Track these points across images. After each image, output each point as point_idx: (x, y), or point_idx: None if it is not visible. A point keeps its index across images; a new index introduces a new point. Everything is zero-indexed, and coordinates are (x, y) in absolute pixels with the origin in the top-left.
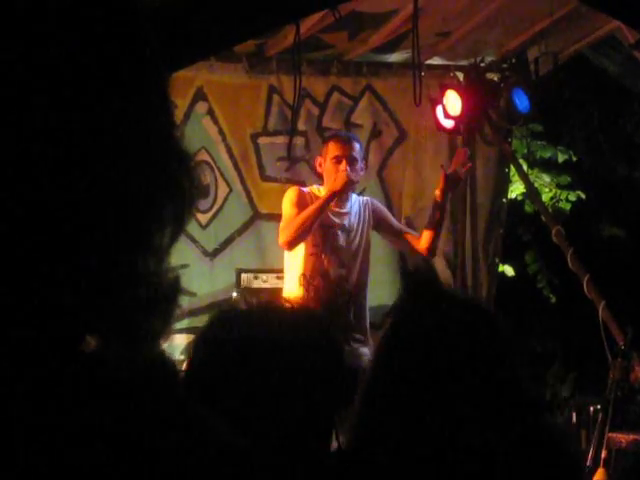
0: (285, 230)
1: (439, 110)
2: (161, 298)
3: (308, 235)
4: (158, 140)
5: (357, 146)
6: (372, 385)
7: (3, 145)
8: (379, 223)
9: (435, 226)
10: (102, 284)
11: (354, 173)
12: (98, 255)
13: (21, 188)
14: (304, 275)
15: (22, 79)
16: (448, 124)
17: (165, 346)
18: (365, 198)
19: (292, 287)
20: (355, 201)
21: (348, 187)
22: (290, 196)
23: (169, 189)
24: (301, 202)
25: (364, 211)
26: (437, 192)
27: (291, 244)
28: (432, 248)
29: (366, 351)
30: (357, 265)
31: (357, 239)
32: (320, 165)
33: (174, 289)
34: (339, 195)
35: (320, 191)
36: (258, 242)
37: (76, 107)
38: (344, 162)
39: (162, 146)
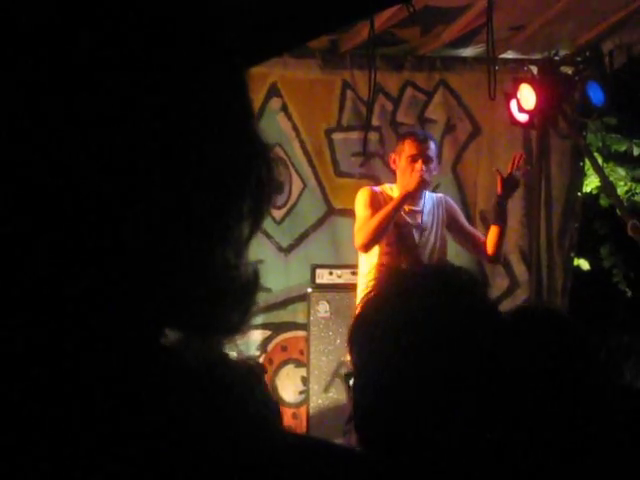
0: (360, 232)
1: (513, 104)
2: (240, 292)
3: (383, 236)
4: (239, 134)
5: (433, 145)
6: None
7: (93, 141)
8: (450, 222)
9: (498, 232)
10: (182, 277)
11: (428, 172)
12: (179, 248)
13: (105, 180)
14: (379, 275)
15: (113, 74)
16: (522, 118)
17: (241, 342)
18: (439, 195)
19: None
20: (429, 198)
21: (422, 187)
22: (362, 197)
23: (249, 182)
24: (374, 202)
25: (438, 208)
26: (496, 198)
27: (367, 246)
28: (497, 254)
29: None
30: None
31: (432, 237)
32: (394, 162)
33: (253, 283)
34: (413, 195)
35: (392, 190)
36: (332, 237)
37: (157, 100)
38: (420, 161)
39: (243, 140)
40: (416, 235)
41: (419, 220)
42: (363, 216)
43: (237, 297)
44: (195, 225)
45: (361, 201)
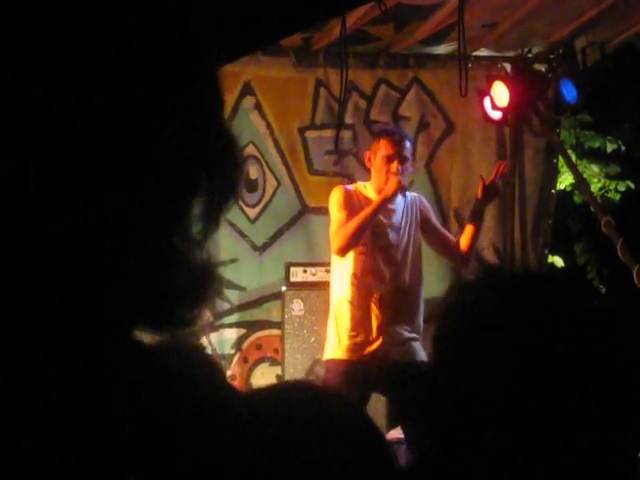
0: (336, 237)
1: (487, 101)
2: (194, 286)
3: (360, 240)
4: (206, 127)
5: (408, 144)
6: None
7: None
8: (423, 222)
9: (473, 232)
10: (137, 271)
11: (404, 172)
12: (136, 241)
13: (63, 173)
14: (355, 274)
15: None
16: (496, 115)
17: (216, 340)
18: (413, 195)
19: (342, 286)
20: (402, 197)
21: (400, 192)
22: (336, 198)
23: (211, 174)
24: (348, 203)
25: (411, 208)
26: (475, 201)
27: (344, 251)
28: (469, 253)
29: (419, 347)
30: (408, 262)
31: (406, 236)
32: (369, 160)
33: (207, 275)
34: (391, 201)
35: (366, 188)
36: (307, 236)
37: (122, 84)
38: (396, 162)
39: (210, 132)
40: (391, 235)
41: (394, 219)
42: (338, 218)
43: (191, 292)
44: (152, 218)
45: (335, 202)
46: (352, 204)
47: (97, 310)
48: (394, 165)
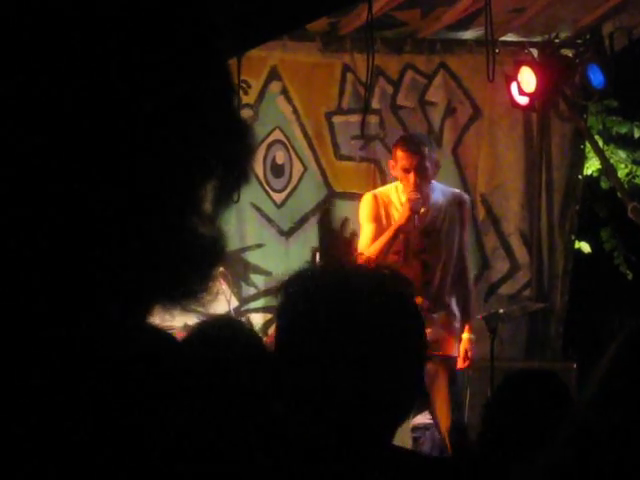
0: (364, 252)
1: (514, 87)
2: (203, 257)
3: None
4: (217, 111)
5: (426, 150)
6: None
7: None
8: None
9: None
10: (152, 246)
11: (424, 182)
12: (151, 216)
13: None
14: None
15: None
16: (523, 101)
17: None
18: (456, 193)
19: None
20: (440, 194)
21: (416, 213)
22: (365, 209)
23: (223, 159)
24: (376, 215)
25: (451, 207)
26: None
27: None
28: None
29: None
30: (440, 265)
31: (444, 238)
32: (393, 168)
33: (216, 249)
34: (405, 229)
35: (397, 189)
36: (333, 220)
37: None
38: (412, 175)
39: (220, 117)
40: (423, 239)
41: (427, 222)
42: (365, 233)
43: (202, 264)
44: (167, 196)
45: (364, 214)
46: (379, 214)
47: (115, 284)
48: (411, 177)
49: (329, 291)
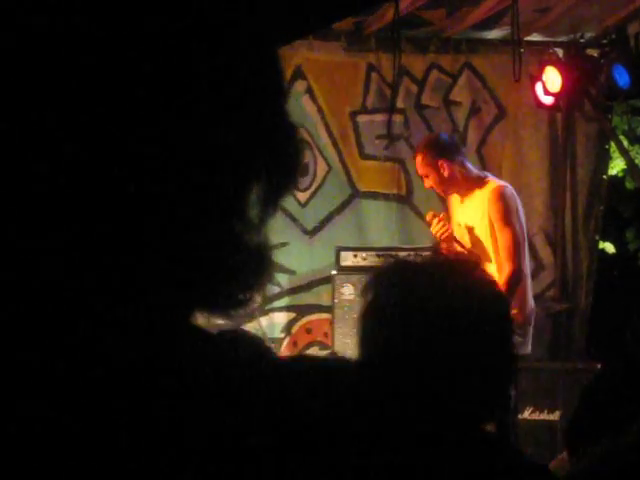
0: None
1: (538, 87)
2: (248, 266)
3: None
4: (266, 111)
5: (419, 157)
6: None
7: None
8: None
9: None
10: (199, 254)
11: (434, 185)
12: (198, 225)
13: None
14: None
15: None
16: (548, 101)
17: (266, 324)
18: (495, 187)
19: None
20: (479, 192)
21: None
22: (510, 203)
23: (271, 161)
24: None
25: (484, 203)
26: None
27: None
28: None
29: None
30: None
31: (482, 235)
32: None
33: (262, 258)
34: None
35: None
36: (357, 220)
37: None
38: (425, 180)
39: (269, 118)
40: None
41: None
42: (518, 231)
43: (246, 273)
44: (214, 202)
45: (510, 209)
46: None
47: (156, 292)
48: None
49: (434, 284)
